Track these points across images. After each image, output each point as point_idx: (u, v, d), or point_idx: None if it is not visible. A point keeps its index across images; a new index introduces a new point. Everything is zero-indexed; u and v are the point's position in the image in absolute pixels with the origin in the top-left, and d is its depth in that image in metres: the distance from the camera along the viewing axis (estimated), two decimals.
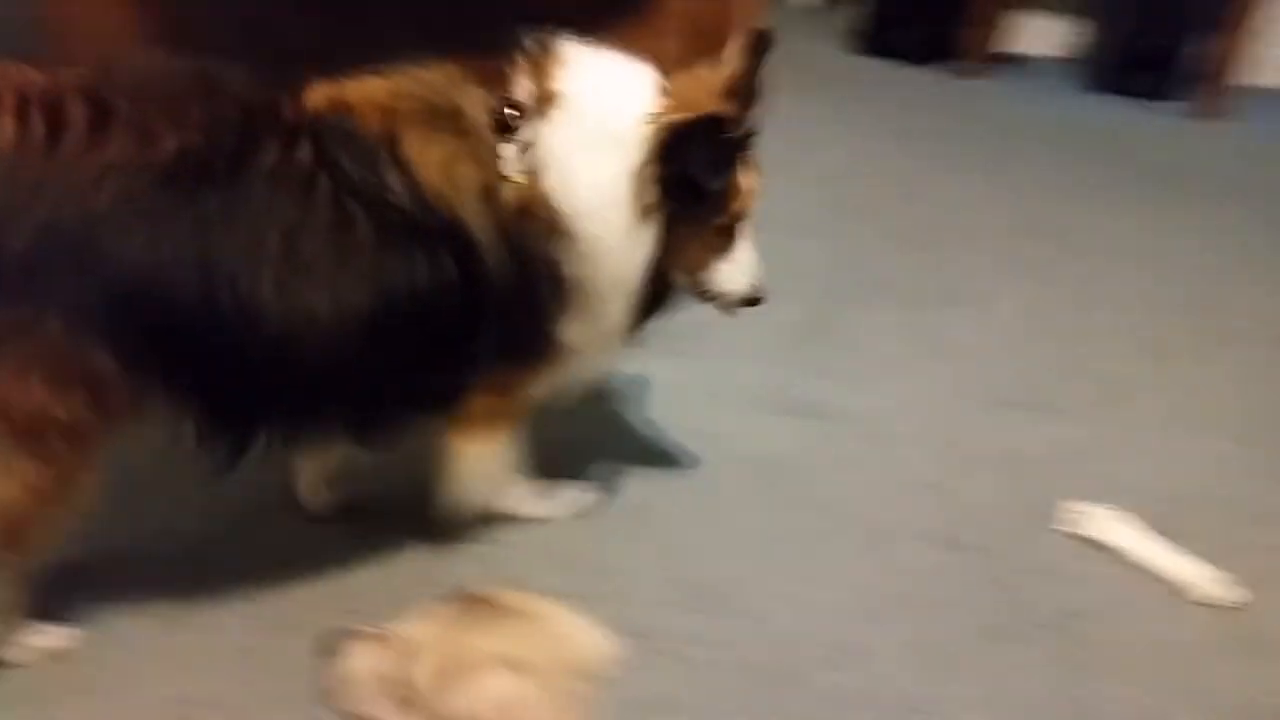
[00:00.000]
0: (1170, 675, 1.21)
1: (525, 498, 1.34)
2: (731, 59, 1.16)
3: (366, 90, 1.10)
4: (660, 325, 1.26)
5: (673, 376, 1.66)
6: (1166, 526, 1.40)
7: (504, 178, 1.10)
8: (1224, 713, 1.17)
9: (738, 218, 1.22)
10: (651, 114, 1.12)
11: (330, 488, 1.34)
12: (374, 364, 1.10)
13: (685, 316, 1.78)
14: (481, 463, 1.26)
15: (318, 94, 1.08)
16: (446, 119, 1.11)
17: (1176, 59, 3.05)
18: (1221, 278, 2.15)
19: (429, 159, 1.08)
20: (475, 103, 1.12)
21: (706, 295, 1.26)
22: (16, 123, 0.93)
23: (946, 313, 1.93)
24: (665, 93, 1.14)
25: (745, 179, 1.19)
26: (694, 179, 1.13)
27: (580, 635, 0.93)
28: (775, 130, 2.66)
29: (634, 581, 1.28)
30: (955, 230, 2.24)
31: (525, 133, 1.11)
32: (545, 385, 1.24)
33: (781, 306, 1.88)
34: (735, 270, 1.24)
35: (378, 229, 1.05)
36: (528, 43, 1.14)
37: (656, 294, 1.20)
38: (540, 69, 1.13)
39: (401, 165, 1.07)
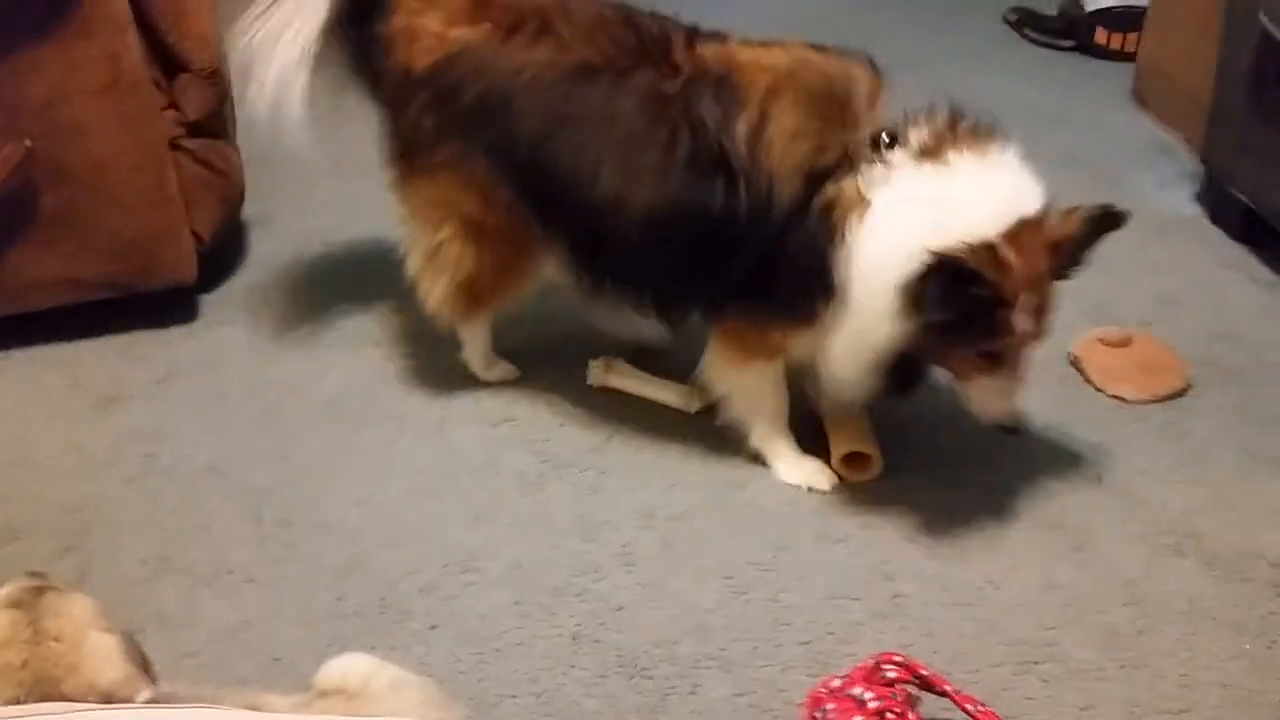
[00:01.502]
0: (661, 474, 1.55)
1: (779, 451, 1.53)
2: (1077, 222, 1.29)
3: (762, 55, 1.38)
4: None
5: (237, 336, 1.81)
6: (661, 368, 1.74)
7: (838, 178, 1.30)
8: (697, 489, 1.52)
9: (1007, 350, 1.32)
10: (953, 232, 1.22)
11: None
12: (665, 252, 1.42)
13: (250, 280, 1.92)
14: (730, 381, 1.52)
15: (711, 47, 1.39)
16: (829, 105, 1.34)
17: None
18: None
19: (786, 123, 1.32)
20: (864, 107, 1.34)
21: (965, 401, 1.40)
22: (492, 26, 1.43)
23: None
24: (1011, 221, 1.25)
25: (1023, 321, 1.28)
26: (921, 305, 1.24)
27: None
28: None
29: (222, 530, 1.45)
30: None
31: (887, 161, 1.29)
32: (791, 350, 1.46)
33: (343, 247, 2.06)
34: (992, 394, 1.36)
35: (697, 156, 1.35)
36: (952, 108, 1.33)
37: (905, 372, 1.35)
38: (940, 132, 1.31)
39: (759, 117, 1.33)
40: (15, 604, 0.96)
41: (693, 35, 1.43)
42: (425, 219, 1.56)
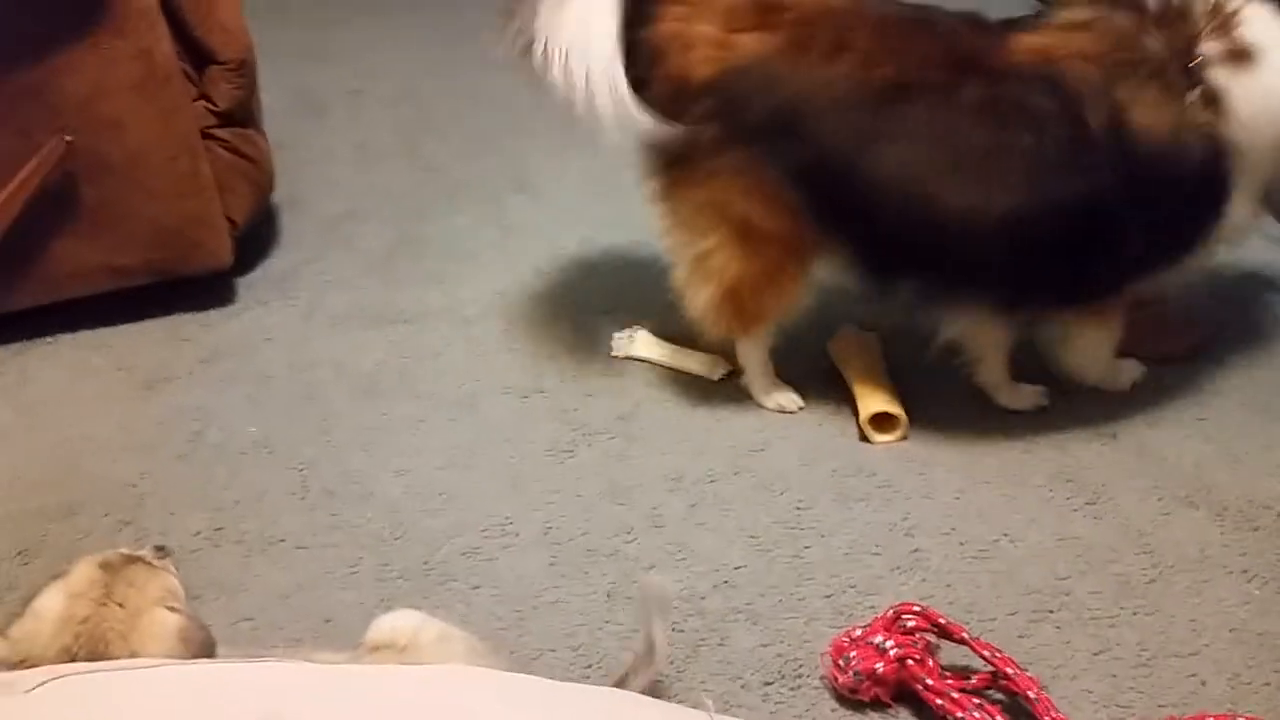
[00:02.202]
0: (687, 440, 1.61)
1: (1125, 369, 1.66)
2: None
3: (1070, 42, 1.39)
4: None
5: (275, 318, 1.89)
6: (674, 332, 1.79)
7: (1189, 120, 1.36)
8: (721, 453, 1.58)
9: None
10: None
11: None
12: (1026, 256, 1.44)
13: (284, 263, 2.01)
14: (1100, 345, 1.60)
15: (1023, 43, 1.40)
16: (1146, 67, 1.38)
17: None
18: None
19: (1139, 104, 1.37)
20: (1166, 51, 1.38)
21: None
22: (786, 40, 1.42)
23: (513, 201, 2.23)
24: None
25: None
26: None
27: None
28: (343, 60, 2.85)
29: (271, 501, 1.52)
30: (522, 128, 2.51)
31: (1213, 80, 1.37)
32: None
33: (368, 232, 2.14)
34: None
35: (1053, 155, 1.38)
36: None
37: None
38: (1224, 22, 1.37)
39: (1112, 107, 1.36)
40: (103, 565, 1.04)
41: (997, 32, 1.44)
42: (693, 226, 1.53)
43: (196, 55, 1.81)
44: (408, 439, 1.63)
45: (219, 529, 1.47)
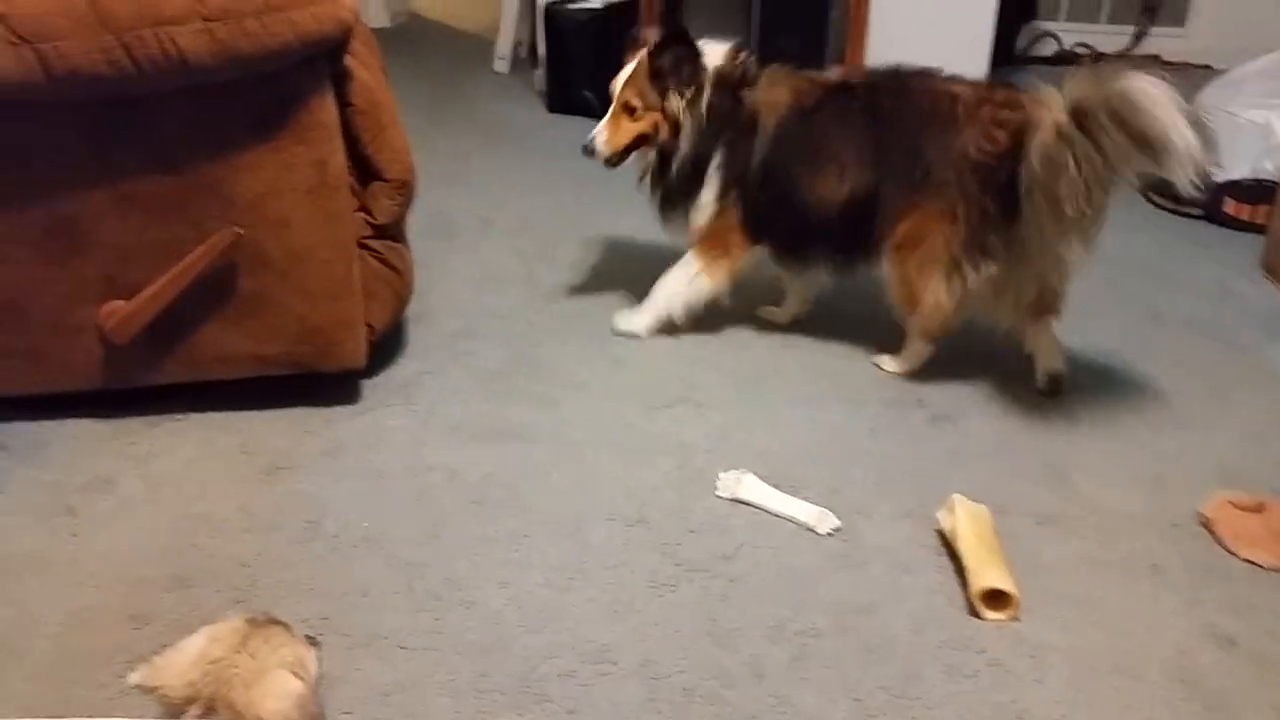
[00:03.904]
0: (790, 589, 1.60)
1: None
2: None
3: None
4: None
5: (395, 421, 1.95)
6: (790, 479, 1.81)
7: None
8: (826, 609, 1.56)
9: None
10: None
11: None
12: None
13: (407, 371, 2.09)
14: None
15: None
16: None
17: None
18: None
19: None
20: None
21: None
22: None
23: (618, 337, 2.31)
24: None
25: None
26: None
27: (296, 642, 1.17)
28: (477, 189, 3.03)
29: (378, 598, 1.54)
30: (629, 264, 2.62)
31: None
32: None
33: (486, 350, 2.22)
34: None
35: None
36: None
37: None
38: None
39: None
40: (251, 620, 1.07)
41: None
42: None
43: (364, 170, 1.95)
44: (512, 553, 1.65)
45: (325, 618, 1.48)
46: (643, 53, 2.11)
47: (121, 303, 1.82)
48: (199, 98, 1.70)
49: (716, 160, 2.12)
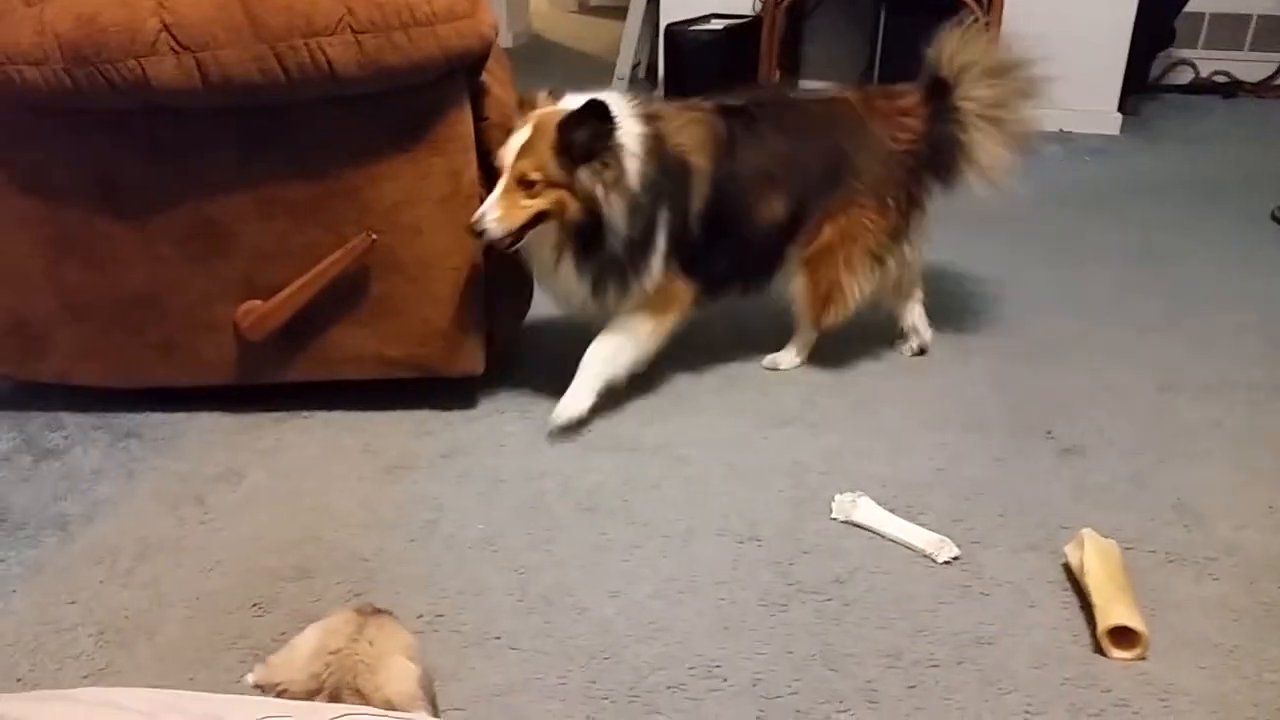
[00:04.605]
0: (906, 618, 1.55)
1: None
2: None
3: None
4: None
5: (511, 427, 1.98)
6: (908, 505, 1.77)
7: None
8: (944, 639, 1.51)
9: None
10: None
11: None
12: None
13: (523, 379, 2.12)
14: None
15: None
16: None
17: None
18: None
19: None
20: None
21: None
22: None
23: (734, 353, 2.30)
24: None
25: None
26: None
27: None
28: None
29: (491, 598, 1.56)
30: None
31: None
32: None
33: None
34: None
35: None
36: None
37: None
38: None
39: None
40: (359, 611, 1.10)
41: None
42: None
43: (494, 183, 1.99)
44: (623, 562, 1.65)
45: (440, 615, 1.51)
46: (536, 116, 1.83)
47: (258, 302, 1.90)
48: (342, 107, 1.77)
49: (660, 223, 1.92)
